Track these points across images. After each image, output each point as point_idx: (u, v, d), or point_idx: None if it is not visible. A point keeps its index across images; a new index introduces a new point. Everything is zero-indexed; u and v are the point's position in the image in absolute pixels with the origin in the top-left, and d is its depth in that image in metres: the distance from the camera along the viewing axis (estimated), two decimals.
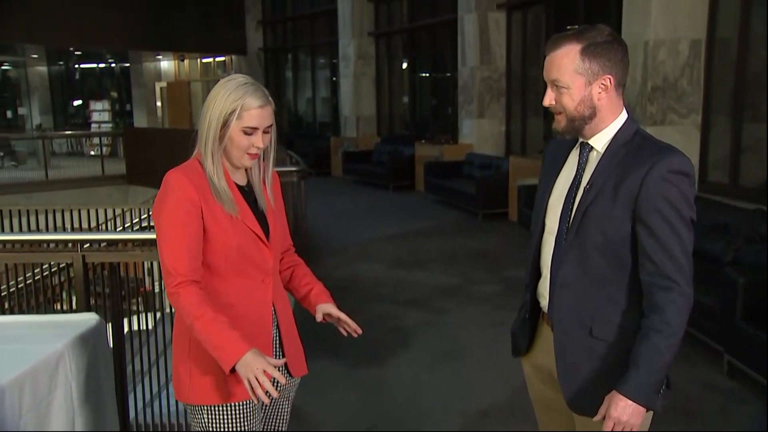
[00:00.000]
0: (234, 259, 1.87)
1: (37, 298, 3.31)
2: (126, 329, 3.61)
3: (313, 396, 3.71)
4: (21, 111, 21.92)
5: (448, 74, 11.67)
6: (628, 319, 1.73)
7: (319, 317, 2.05)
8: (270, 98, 1.88)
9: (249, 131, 1.83)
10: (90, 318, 2.60)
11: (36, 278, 3.28)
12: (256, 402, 1.72)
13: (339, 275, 6.30)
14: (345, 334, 2.04)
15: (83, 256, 2.97)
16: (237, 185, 1.92)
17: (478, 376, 4.03)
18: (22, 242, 3.08)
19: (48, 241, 3.06)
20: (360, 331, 2.02)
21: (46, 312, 3.42)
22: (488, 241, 7.56)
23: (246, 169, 1.96)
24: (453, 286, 5.91)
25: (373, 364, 4.26)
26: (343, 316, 2.02)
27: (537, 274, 1.90)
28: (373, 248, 7.35)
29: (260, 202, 1.96)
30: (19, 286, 3.22)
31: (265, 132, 1.87)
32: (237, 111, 1.81)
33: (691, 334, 4.26)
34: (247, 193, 1.95)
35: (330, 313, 2.02)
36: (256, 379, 1.68)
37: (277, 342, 1.99)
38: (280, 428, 2.13)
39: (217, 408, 1.88)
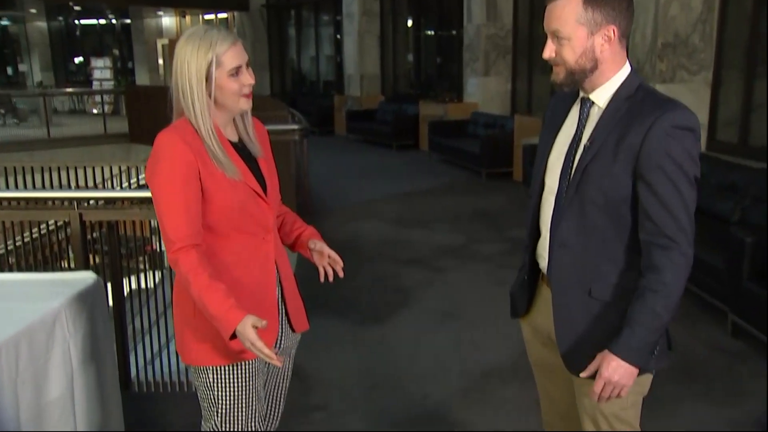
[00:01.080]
0: (235, 218, 1.82)
1: (36, 256, 3.28)
2: (132, 287, 3.59)
3: (315, 355, 3.70)
4: (21, 68, 21.72)
5: (454, 32, 11.46)
6: (629, 279, 1.67)
7: (310, 248, 2.00)
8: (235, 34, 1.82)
9: (234, 72, 1.77)
10: (87, 276, 2.56)
11: (34, 236, 3.24)
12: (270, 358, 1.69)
13: (341, 234, 6.27)
14: (322, 279, 1.98)
15: (80, 214, 2.93)
16: (230, 142, 1.86)
17: (481, 336, 4.01)
18: (19, 200, 3.03)
19: (45, 199, 3.01)
20: (341, 275, 1.98)
21: (49, 270, 3.39)
22: (492, 200, 7.50)
23: (235, 123, 1.89)
24: (456, 245, 5.88)
25: (374, 323, 4.24)
26: (333, 254, 1.97)
27: (536, 235, 1.84)
28: (375, 207, 7.31)
29: (254, 152, 1.91)
30: (17, 244, 3.19)
31: (247, 66, 1.81)
32: (214, 59, 1.75)
33: (695, 294, 4.23)
34: (241, 148, 1.89)
35: (322, 249, 1.98)
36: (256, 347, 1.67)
37: (280, 298, 1.96)
38: (281, 384, 2.12)
39: (221, 368, 1.86)
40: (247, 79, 1.80)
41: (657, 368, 1.75)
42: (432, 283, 4.97)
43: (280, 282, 1.96)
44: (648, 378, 1.76)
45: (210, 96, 1.78)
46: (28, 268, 3.33)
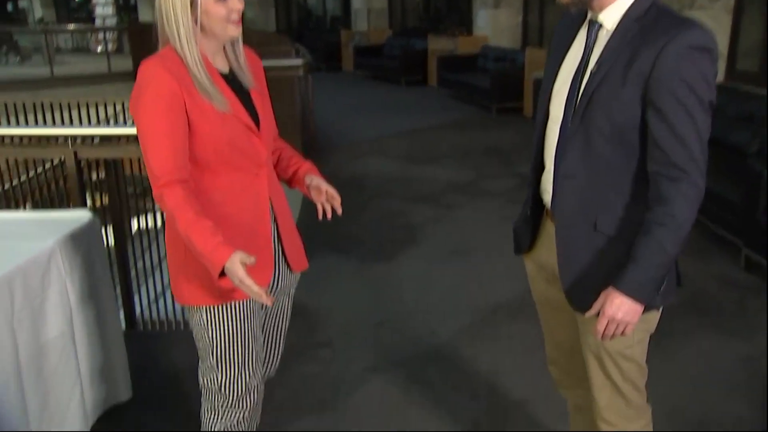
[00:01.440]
0: (225, 152, 1.73)
1: (33, 196, 3.22)
2: (146, 226, 3.53)
3: (320, 292, 3.68)
4: (21, 4, 21.30)
5: None
6: (635, 212, 1.57)
7: (306, 184, 1.91)
8: None
9: None
10: (82, 215, 2.50)
11: (33, 174, 3.17)
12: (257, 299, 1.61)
13: (348, 171, 6.19)
14: (320, 216, 1.90)
15: (75, 152, 2.85)
16: (220, 73, 1.76)
17: (489, 273, 3.97)
18: (12, 137, 2.95)
19: (39, 137, 2.93)
20: (339, 212, 1.88)
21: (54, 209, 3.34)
22: (502, 136, 7.37)
23: (226, 53, 1.78)
24: (465, 181, 5.79)
25: (381, 260, 4.20)
26: (331, 190, 1.87)
27: (540, 168, 1.74)
28: (383, 144, 7.20)
29: (245, 83, 1.80)
30: (14, 183, 3.13)
31: None
32: None
33: (708, 228, 4.15)
34: (232, 80, 1.78)
35: (319, 186, 1.88)
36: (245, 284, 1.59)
37: (276, 237, 1.89)
38: (281, 325, 2.07)
39: (215, 308, 1.80)
40: (236, 3, 1.68)
41: (664, 304, 1.68)
42: (440, 220, 4.90)
43: (275, 220, 1.88)
44: (655, 315, 1.69)
45: (196, 22, 1.67)
46: (34, 207, 3.28)
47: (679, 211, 1.50)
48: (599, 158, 1.58)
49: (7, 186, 3.11)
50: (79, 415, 2.41)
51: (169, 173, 1.64)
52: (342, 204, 1.89)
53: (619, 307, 1.53)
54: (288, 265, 1.94)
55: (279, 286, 1.94)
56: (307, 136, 6.60)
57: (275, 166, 1.99)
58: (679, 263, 1.68)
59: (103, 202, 3.26)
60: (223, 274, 1.61)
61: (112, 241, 3.22)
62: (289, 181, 2.00)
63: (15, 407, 2.12)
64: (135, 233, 3.52)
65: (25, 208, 3.38)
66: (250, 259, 1.58)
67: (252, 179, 1.81)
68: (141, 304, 3.39)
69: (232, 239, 1.70)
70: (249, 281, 1.57)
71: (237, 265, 1.57)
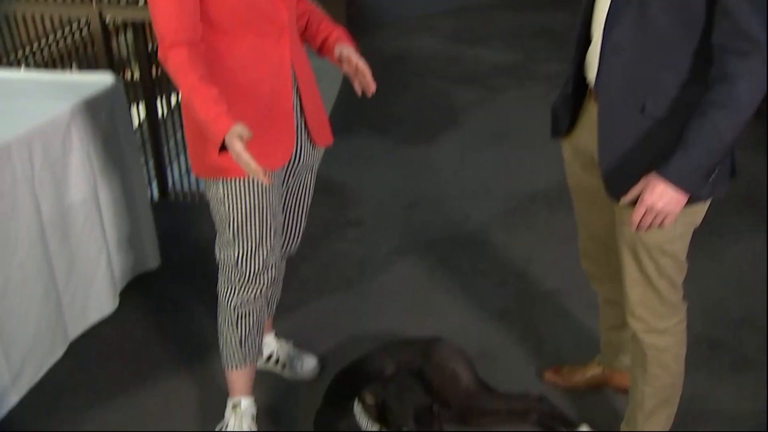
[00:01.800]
0: (241, 12, 1.59)
1: (62, 60, 3.13)
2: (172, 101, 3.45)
3: (354, 171, 3.59)
4: None
5: None
6: (691, 94, 1.39)
7: (336, 55, 1.76)
8: None
9: None
10: (105, 79, 2.42)
11: (56, 36, 3.06)
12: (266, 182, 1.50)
13: (391, 49, 5.93)
14: (360, 92, 1.77)
15: (100, 12, 2.72)
16: None
17: (530, 159, 3.80)
18: None
19: None
20: (373, 89, 1.73)
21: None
22: (558, 17, 6.91)
23: None
24: (513, 63, 5.50)
25: (419, 142, 4.06)
26: (361, 64, 1.72)
27: (586, 41, 1.55)
28: (430, 22, 6.85)
29: None
30: (41, 43, 3.04)
31: None
32: None
33: None
34: None
35: (349, 57, 1.73)
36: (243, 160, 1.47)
37: (298, 108, 1.77)
38: (303, 200, 1.99)
39: (232, 182, 1.71)
40: None
41: (713, 197, 1.52)
42: (484, 103, 4.69)
43: (298, 90, 1.75)
44: (701, 207, 1.54)
45: None
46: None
47: (744, 90, 1.31)
48: (655, 29, 1.39)
49: (35, 47, 3.02)
50: (107, 280, 2.44)
51: (174, 32, 1.52)
52: (382, 82, 1.74)
53: (660, 196, 1.39)
54: (311, 140, 1.84)
55: (301, 161, 1.85)
56: (354, 10, 6.31)
57: (303, 32, 1.84)
58: (735, 152, 1.51)
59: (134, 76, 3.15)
60: (224, 147, 1.51)
61: (143, 112, 3.16)
62: (319, 50, 1.85)
63: (42, 268, 2.14)
64: (174, 106, 3.44)
65: (71, 68, 3.29)
66: (247, 132, 1.47)
67: (272, 44, 1.67)
68: (173, 176, 3.37)
69: (250, 109, 1.59)
70: (246, 156, 1.46)
71: (234, 138, 1.46)
